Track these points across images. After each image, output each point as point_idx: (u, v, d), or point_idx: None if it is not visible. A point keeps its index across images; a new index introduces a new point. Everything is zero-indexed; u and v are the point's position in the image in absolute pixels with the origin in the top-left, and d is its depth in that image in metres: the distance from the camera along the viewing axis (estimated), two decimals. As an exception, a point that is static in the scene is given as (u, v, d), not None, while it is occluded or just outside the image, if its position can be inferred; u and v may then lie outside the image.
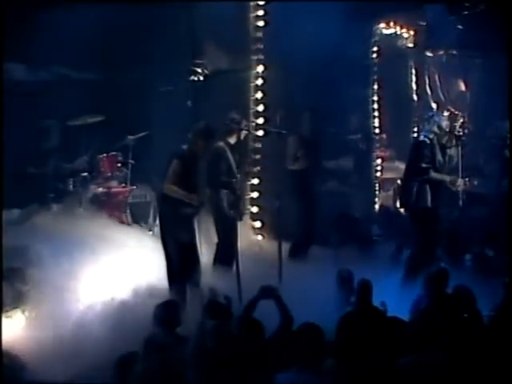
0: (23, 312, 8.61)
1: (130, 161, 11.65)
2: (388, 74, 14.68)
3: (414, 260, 9.99)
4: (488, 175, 13.28)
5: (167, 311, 7.33)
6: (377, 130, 14.76)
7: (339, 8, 11.91)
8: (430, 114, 10.68)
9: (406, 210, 10.49)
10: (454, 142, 10.69)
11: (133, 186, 11.66)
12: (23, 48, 10.52)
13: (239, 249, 9.89)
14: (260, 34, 12.18)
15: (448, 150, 10.58)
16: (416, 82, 15.60)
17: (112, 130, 11.60)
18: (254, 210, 12.19)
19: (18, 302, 8.65)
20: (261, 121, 12.04)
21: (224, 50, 12.14)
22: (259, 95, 12.18)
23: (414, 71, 15.65)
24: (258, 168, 12.17)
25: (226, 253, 9.94)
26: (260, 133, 12.01)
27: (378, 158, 14.80)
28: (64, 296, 8.87)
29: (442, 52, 15.95)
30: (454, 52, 15.74)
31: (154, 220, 11.57)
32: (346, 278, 8.46)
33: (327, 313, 7.34)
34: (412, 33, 15.42)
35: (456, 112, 15.42)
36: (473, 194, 11.95)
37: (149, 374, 5.98)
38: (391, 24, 14.90)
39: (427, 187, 10.02)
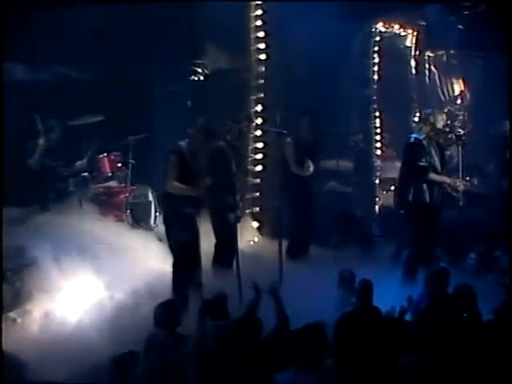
0: (23, 312, 8.61)
1: (131, 161, 11.64)
2: (388, 74, 14.67)
3: (412, 260, 9.98)
4: (488, 175, 13.27)
5: (167, 311, 7.32)
6: (377, 130, 14.75)
7: (339, 8, 11.91)
8: (425, 113, 10.62)
9: (403, 210, 10.45)
10: (453, 141, 10.68)
11: (133, 185, 11.65)
12: (23, 48, 10.50)
13: (239, 249, 9.88)
14: (260, 34, 12.18)
15: (448, 150, 10.56)
16: (416, 82, 15.59)
17: (112, 130, 11.59)
18: (255, 210, 12.19)
19: (17, 301, 8.65)
20: (260, 121, 12.04)
21: (224, 49, 12.15)
22: (259, 95, 12.18)
23: (414, 71, 15.64)
24: (259, 168, 12.18)
25: (225, 254, 9.91)
26: (260, 133, 12.02)
27: (378, 157, 14.79)
28: (64, 296, 8.89)
29: (442, 52, 15.96)
30: (455, 52, 15.74)
31: (155, 220, 11.57)
32: (347, 278, 8.45)
33: (328, 313, 7.32)
34: (412, 33, 15.42)
35: (456, 112, 15.46)
36: (473, 193, 11.94)
37: (149, 373, 5.99)
38: (391, 24, 14.90)
39: (424, 186, 9.99)
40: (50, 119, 11.15)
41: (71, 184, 11.32)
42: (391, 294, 8.31)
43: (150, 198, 11.64)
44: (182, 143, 9.32)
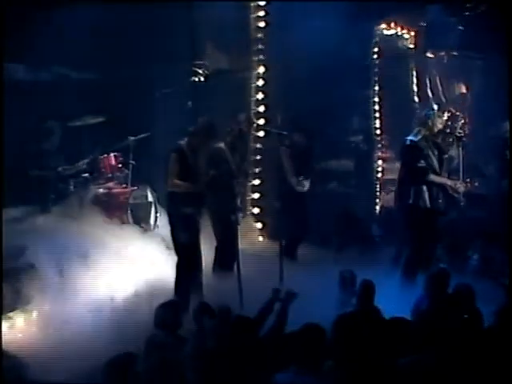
0: (23, 312, 8.60)
1: (131, 161, 11.62)
2: (389, 74, 14.67)
3: (413, 261, 9.96)
4: (488, 176, 13.27)
5: (168, 312, 7.32)
6: (378, 131, 14.75)
7: (340, 9, 11.92)
8: (424, 114, 10.59)
9: (403, 212, 10.43)
10: (453, 142, 10.66)
11: (134, 186, 11.64)
12: (23, 48, 10.50)
13: (240, 250, 9.87)
14: (261, 35, 12.19)
15: (448, 151, 10.54)
16: (417, 83, 15.59)
17: (113, 131, 11.59)
18: (255, 210, 12.19)
19: (17, 302, 8.64)
20: (261, 121, 12.04)
21: (225, 50, 12.16)
22: (260, 96, 12.19)
23: (414, 72, 15.64)
24: (259, 169, 12.18)
25: (226, 256, 9.90)
26: (261, 133, 12.02)
27: (378, 159, 14.79)
28: (64, 296, 8.88)
29: (442, 53, 15.94)
30: (455, 53, 15.74)
31: (155, 221, 11.57)
32: (348, 278, 8.45)
33: (328, 313, 7.30)
34: (413, 34, 15.42)
35: (457, 113, 15.45)
36: (473, 194, 11.93)
37: (149, 374, 5.98)
38: (392, 25, 14.90)
39: (424, 188, 9.97)
40: (51, 120, 11.15)
41: (72, 185, 11.31)
42: (391, 295, 8.31)
43: (151, 198, 11.62)
44: (182, 142, 9.32)
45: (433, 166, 10.00)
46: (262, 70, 12.23)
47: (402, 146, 10.25)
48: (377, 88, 14.59)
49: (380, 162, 14.78)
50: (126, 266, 9.77)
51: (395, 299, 8.29)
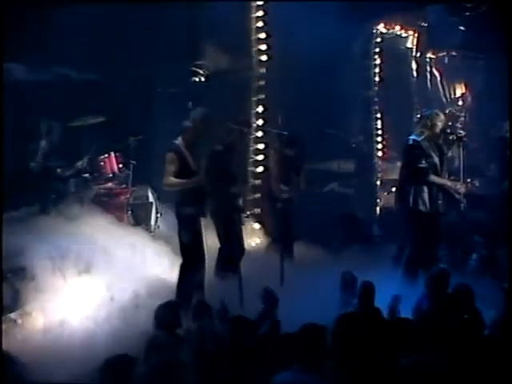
0: (23, 313, 8.59)
1: (132, 161, 11.62)
2: (389, 75, 14.67)
3: (413, 261, 9.96)
4: (489, 176, 13.27)
5: (169, 312, 7.31)
6: (378, 132, 14.75)
7: (340, 9, 11.92)
8: (424, 114, 10.58)
9: (404, 212, 10.42)
10: (454, 142, 10.65)
11: (134, 186, 11.63)
12: (23, 48, 10.49)
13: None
14: (261, 35, 12.18)
15: (449, 152, 10.53)
16: (417, 83, 15.59)
17: (113, 131, 11.59)
18: (256, 211, 12.18)
19: (17, 302, 8.64)
20: (261, 122, 12.04)
21: (225, 50, 12.14)
22: (260, 96, 12.18)
23: (415, 72, 15.64)
24: (260, 169, 12.17)
25: (230, 256, 9.86)
26: (261, 134, 12.01)
27: (379, 159, 14.79)
28: (64, 297, 8.88)
29: (443, 53, 15.96)
30: (456, 53, 15.75)
31: (156, 221, 11.56)
32: (349, 281, 8.42)
33: (328, 314, 7.30)
34: (413, 34, 15.42)
35: (457, 113, 15.46)
36: (474, 195, 11.93)
37: (150, 374, 5.97)
38: (393, 25, 14.91)
39: (425, 188, 9.96)
40: (51, 120, 11.14)
41: (72, 185, 11.30)
42: (392, 295, 8.30)
43: (151, 198, 11.62)
44: (177, 141, 9.27)
45: (434, 167, 10.00)
46: (261, 70, 12.22)
47: (405, 146, 10.22)
48: (377, 88, 14.59)
49: (380, 162, 14.77)
50: (127, 266, 9.75)
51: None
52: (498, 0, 12.90)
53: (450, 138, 11.04)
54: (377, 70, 14.60)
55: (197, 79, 12.10)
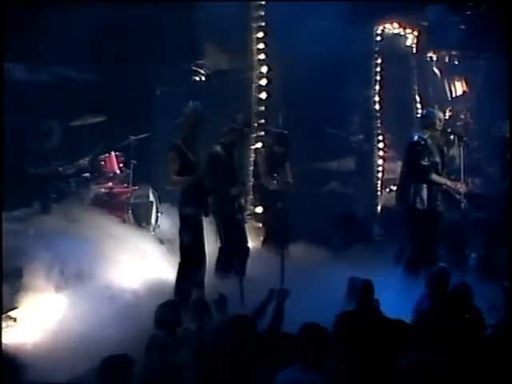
0: (23, 312, 8.60)
1: (132, 161, 11.63)
2: (390, 74, 14.66)
3: (414, 260, 9.95)
4: (490, 175, 13.27)
5: (169, 312, 7.31)
6: (379, 131, 14.74)
7: (341, 8, 11.92)
8: (425, 114, 10.57)
9: (404, 211, 10.42)
10: (455, 142, 10.66)
11: (135, 186, 11.64)
12: (23, 48, 10.49)
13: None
14: (261, 35, 12.18)
15: (449, 151, 10.53)
16: (418, 83, 15.59)
17: (114, 130, 11.59)
18: (257, 210, 12.17)
19: (17, 302, 8.64)
20: (262, 121, 12.03)
21: (225, 50, 12.15)
22: (261, 95, 12.17)
23: (416, 72, 15.63)
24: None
25: (232, 256, 9.85)
26: (261, 133, 12.01)
27: (380, 158, 14.79)
28: (64, 297, 8.88)
29: (444, 52, 15.96)
30: (456, 52, 15.75)
31: (156, 220, 11.56)
32: (357, 286, 8.34)
33: (329, 314, 7.31)
34: (414, 33, 15.42)
35: (458, 113, 15.46)
36: (474, 194, 11.92)
37: (150, 373, 5.99)
38: (393, 24, 14.91)
39: (425, 187, 9.96)
40: (51, 120, 11.15)
41: (73, 184, 11.31)
42: (393, 295, 8.30)
43: (152, 198, 11.62)
44: (176, 140, 9.26)
45: (436, 165, 10.00)
46: (262, 69, 12.21)
47: (409, 142, 10.18)
48: (378, 88, 14.58)
49: (381, 161, 14.77)
50: (127, 266, 9.76)
51: (397, 299, 8.29)
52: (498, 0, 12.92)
53: (451, 137, 11.04)
54: (377, 69, 14.59)
55: (197, 79, 12.10)
